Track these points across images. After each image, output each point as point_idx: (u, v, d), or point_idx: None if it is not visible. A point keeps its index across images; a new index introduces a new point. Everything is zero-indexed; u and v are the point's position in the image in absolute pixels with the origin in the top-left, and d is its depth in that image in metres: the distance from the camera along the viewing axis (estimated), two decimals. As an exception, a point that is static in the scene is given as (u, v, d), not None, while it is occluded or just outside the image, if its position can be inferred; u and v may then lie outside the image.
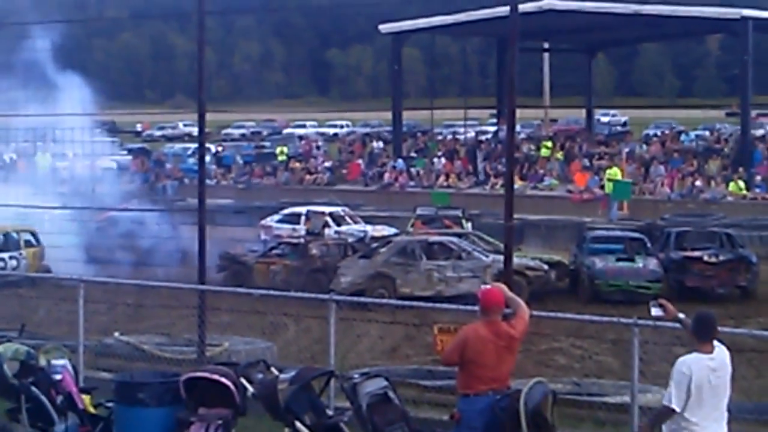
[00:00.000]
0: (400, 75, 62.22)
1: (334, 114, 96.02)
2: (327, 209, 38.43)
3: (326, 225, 36.34)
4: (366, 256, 28.93)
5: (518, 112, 15.16)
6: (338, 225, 36.90)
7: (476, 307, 10.77)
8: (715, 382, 9.26)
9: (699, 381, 9.16)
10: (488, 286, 10.87)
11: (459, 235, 31.49)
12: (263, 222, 38.91)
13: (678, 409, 9.15)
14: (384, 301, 16.19)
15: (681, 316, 9.97)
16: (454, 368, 10.79)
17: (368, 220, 39.87)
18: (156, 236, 33.58)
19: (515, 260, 28.67)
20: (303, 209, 38.38)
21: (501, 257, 28.60)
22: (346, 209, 39.68)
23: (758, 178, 46.78)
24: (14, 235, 31.26)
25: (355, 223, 37.81)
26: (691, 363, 9.21)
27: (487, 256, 28.54)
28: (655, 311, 10.27)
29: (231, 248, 31.79)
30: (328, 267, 28.95)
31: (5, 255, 30.38)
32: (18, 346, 13.28)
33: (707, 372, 9.21)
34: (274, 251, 31.05)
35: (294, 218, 37.97)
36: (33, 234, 31.69)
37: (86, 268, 30.33)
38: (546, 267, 28.74)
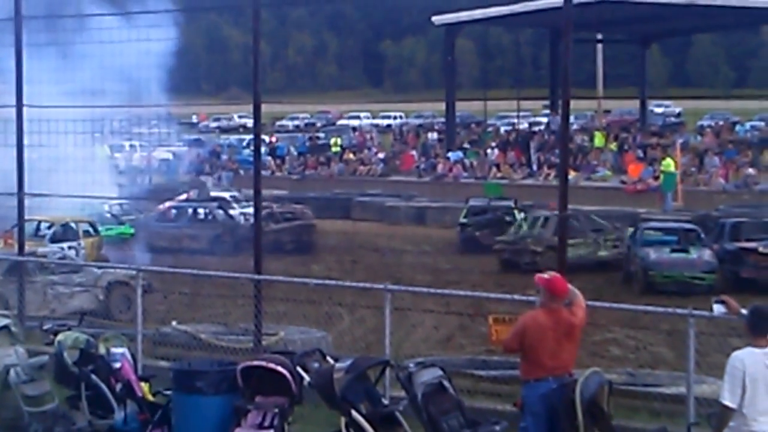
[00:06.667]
0: (454, 66, 62.23)
1: (388, 105, 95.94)
2: None
3: None
4: None
5: (571, 103, 15.05)
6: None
7: (531, 297, 10.77)
8: None
9: (753, 375, 9.00)
10: (547, 276, 10.78)
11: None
12: None
13: (733, 406, 8.98)
14: (438, 291, 16.18)
15: (743, 311, 9.86)
16: (513, 356, 10.83)
17: (421, 212, 40.06)
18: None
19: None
20: None
21: (112, 270, 26.09)
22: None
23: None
24: (73, 225, 31.68)
25: None
26: (744, 357, 9.06)
27: (98, 269, 25.81)
28: (717, 308, 10.27)
29: None
30: None
31: (64, 245, 30.76)
32: (78, 334, 13.46)
33: (762, 366, 9.05)
34: None
35: None
36: (91, 224, 32.06)
37: (143, 257, 30.77)
38: None
